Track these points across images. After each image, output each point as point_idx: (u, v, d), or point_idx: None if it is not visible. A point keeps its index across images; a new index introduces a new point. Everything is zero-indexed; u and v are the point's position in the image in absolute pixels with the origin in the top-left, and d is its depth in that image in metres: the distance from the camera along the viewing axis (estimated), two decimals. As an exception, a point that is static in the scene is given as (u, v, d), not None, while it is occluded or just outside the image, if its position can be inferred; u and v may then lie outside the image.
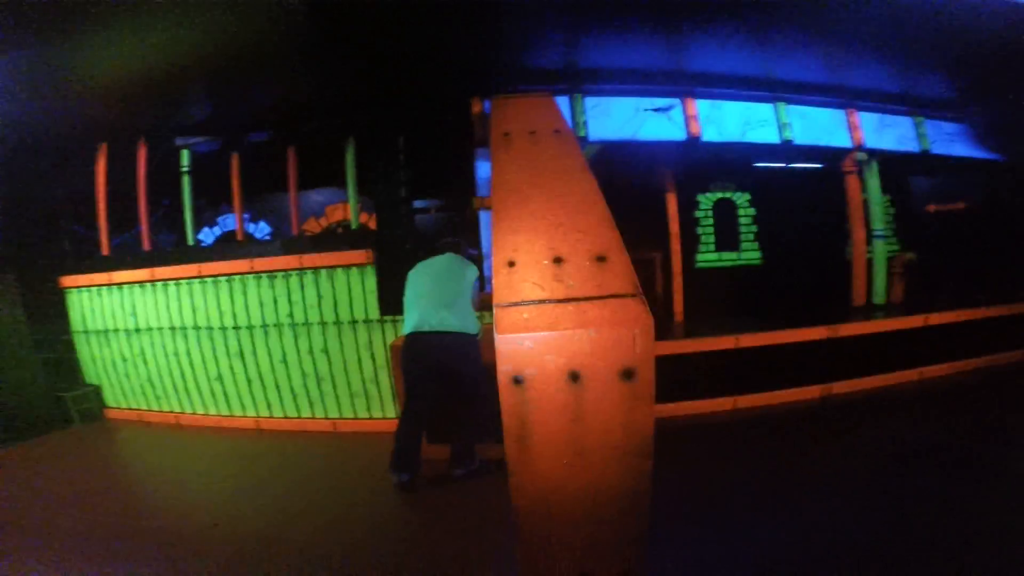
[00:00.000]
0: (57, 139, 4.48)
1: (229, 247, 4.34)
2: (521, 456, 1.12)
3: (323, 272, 4.10)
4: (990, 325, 4.54)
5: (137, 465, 3.90)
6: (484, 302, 3.23)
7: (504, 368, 1.06)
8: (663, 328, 4.57)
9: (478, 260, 4.24)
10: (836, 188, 5.13)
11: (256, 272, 4.19)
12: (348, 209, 4.47)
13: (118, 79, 3.53)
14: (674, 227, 5.03)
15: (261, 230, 6.73)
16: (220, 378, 4.39)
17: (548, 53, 3.94)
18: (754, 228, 5.29)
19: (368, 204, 5.86)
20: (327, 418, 4.19)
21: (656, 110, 4.43)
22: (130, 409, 4.77)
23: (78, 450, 4.04)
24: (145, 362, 4.62)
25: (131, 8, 2.68)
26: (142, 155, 4.59)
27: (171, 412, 4.61)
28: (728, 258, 5.23)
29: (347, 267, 4.06)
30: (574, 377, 1.05)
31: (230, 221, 6.37)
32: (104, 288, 4.64)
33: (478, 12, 3.21)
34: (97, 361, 4.82)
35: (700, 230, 5.20)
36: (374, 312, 4.05)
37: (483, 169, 4.56)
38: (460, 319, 2.97)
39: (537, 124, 2.37)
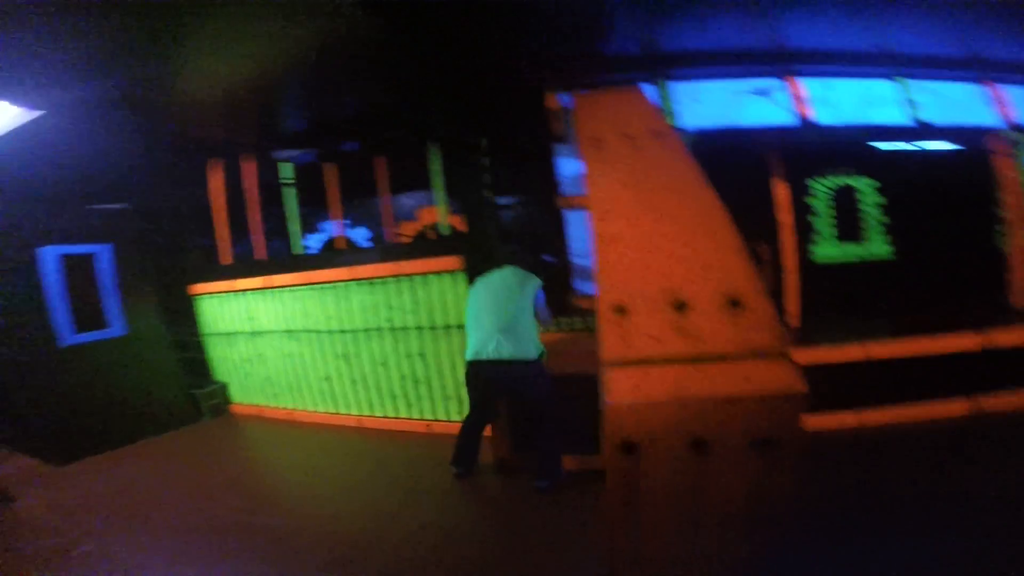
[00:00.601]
0: (178, 158, 4.97)
1: (332, 255, 4.57)
2: (626, 522, 1.00)
3: (417, 278, 4.19)
4: None
5: (255, 460, 4.26)
6: (549, 315, 3.26)
7: (614, 434, 0.93)
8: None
9: (552, 268, 4.12)
10: (981, 171, 4.34)
11: (357, 279, 4.39)
12: (437, 212, 4.52)
13: (219, 99, 3.80)
14: (785, 217, 4.52)
15: (360, 235, 7.09)
16: (328, 378, 4.68)
17: (627, 38, 3.66)
18: (881, 217, 4.62)
19: (456, 205, 5.94)
20: (422, 419, 4.31)
21: (756, 93, 4.00)
22: (251, 405, 5.24)
23: (206, 444, 4.50)
24: (263, 362, 5.04)
25: (224, 30, 2.83)
26: (250, 169, 4.95)
27: (285, 408, 5.00)
28: (851, 251, 4.62)
29: (439, 273, 4.11)
30: (699, 446, 0.90)
31: (332, 227, 6.76)
32: (227, 294, 5.12)
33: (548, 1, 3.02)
34: (223, 361, 5.35)
35: (816, 220, 4.62)
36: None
37: (565, 165, 4.41)
38: (516, 344, 2.93)
39: (632, 125, 2.13)
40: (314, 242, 7.30)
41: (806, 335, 4.09)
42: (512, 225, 6.12)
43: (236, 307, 5.09)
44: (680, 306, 1.01)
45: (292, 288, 4.69)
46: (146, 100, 3.66)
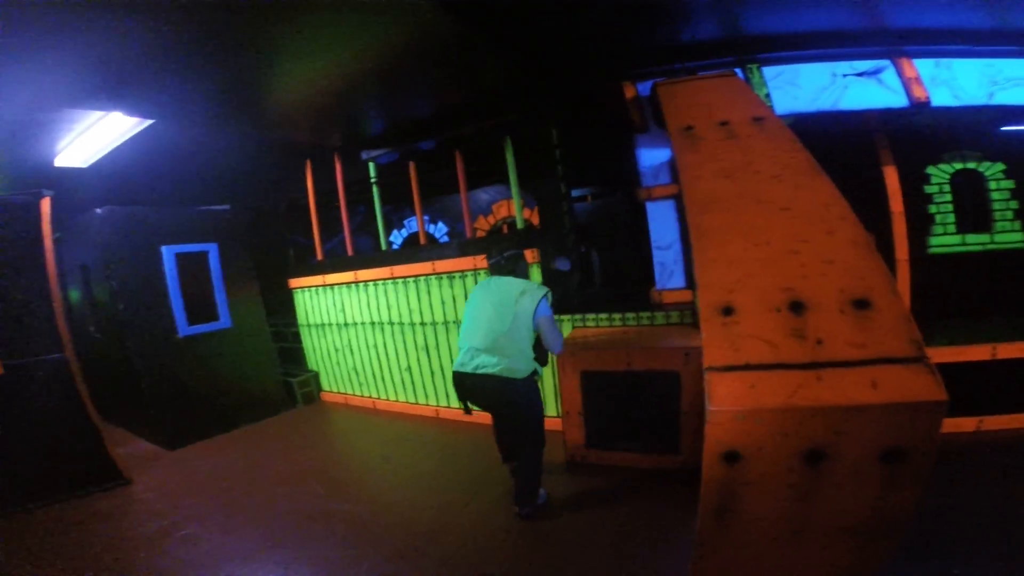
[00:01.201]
0: (276, 161, 5.36)
1: (413, 251, 4.74)
2: (716, 530, 0.93)
3: (493, 272, 4.24)
4: None
5: (340, 447, 4.52)
6: (558, 338, 2.81)
7: (716, 443, 0.86)
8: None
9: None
10: None
11: (437, 273, 4.52)
12: (512, 205, 4.54)
13: (310, 104, 4.04)
14: (896, 205, 4.07)
15: (440, 230, 7.34)
16: (409, 369, 4.88)
17: (709, 23, 3.44)
18: (1013, 204, 4.03)
19: (530, 199, 5.94)
20: (495, 413, 4.37)
21: (860, 74, 3.62)
22: (339, 393, 5.58)
23: (297, 430, 4.84)
24: (351, 352, 5.34)
25: (313, 37, 2.98)
26: (338, 169, 5.24)
27: (370, 397, 5.27)
28: (976, 241, 4.07)
29: (515, 267, 4.13)
30: (814, 458, 0.82)
31: (414, 223, 7.03)
32: (320, 288, 5.47)
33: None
34: (315, 351, 5.73)
35: (934, 208, 4.12)
36: (542, 312, 4.06)
37: (645, 157, 4.25)
38: (503, 360, 2.63)
39: (728, 112, 2.00)
40: (398, 238, 7.65)
41: (921, 331, 3.68)
42: (589, 218, 6.04)
43: (328, 300, 5.43)
44: (796, 307, 0.92)
45: (377, 282, 4.93)
46: (246, 107, 3.97)
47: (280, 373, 5.56)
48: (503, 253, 3.00)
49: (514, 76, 3.90)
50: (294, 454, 4.13)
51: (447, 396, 4.66)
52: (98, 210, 4.40)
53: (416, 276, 4.66)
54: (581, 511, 2.85)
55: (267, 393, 5.33)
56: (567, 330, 3.99)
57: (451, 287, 4.47)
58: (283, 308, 5.91)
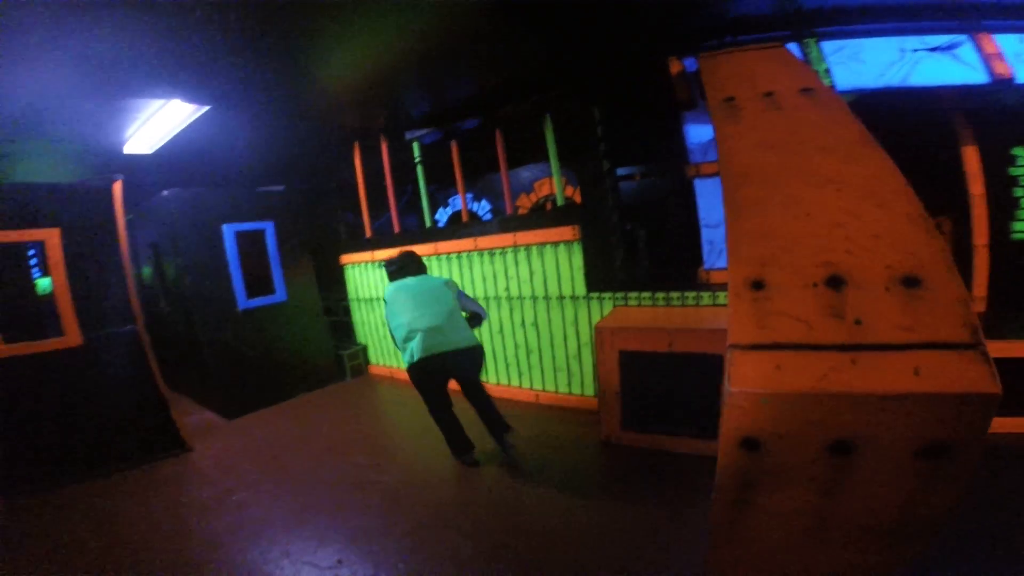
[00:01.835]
0: (326, 143, 5.50)
1: (456, 228, 4.78)
2: (732, 521, 0.88)
3: (534, 249, 4.21)
4: None
5: (382, 418, 4.69)
6: (483, 308, 3.54)
7: (735, 428, 0.80)
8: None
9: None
10: None
11: (479, 250, 4.54)
12: (554, 184, 4.47)
13: (356, 87, 4.09)
14: (976, 188, 3.66)
15: (483, 208, 7.34)
16: (450, 345, 4.96)
17: None
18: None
19: (573, 177, 5.82)
20: (531, 388, 4.39)
21: (933, 50, 3.27)
22: (385, 367, 5.77)
23: (345, 401, 5.05)
24: (396, 327, 5.49)
25: (357, 22, 3.01)
26: (384, 151, 5.31)
27: (415, 371, 5.42)
28: (1072, 224, 3.62)
29: (555, 244, 4.09)
30: (841, 449, 0.75)
31: (458, 201, 7.07)
32: (369, 264, 5.64)
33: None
34: (364, 324, 5.94)
35: (1020, 191, 3.68)
36: (580, 288, 4.01)
37: (693, 133, 4.06)
38: (461, 334, 3.19)
39: (773, 82, 1.84)
40: (443, 216, 7.73)
41: (993, 324, 3.35)
42: (637, 197, 5.86)
43: (376, 276, 5.59)
44: (836, 282, 0.83)
45: (422, 258, 5.00)
46: (297, 93, 4.08)
47: (331, 346, 5.80)
48: (395, 260, 3.62)
49: (555, 54, 3.80)
50: (341, 425, 4.32)
51: (485, 370, 4.71)
52: (165, 192, 4.70)
53: (459, 252, 4.70)
54: (611, 493, 2.84)
55: (319, 365, 5.59)
56: (608, 308, 3.92)
57: (491, 263, 4.49)
58: (335, 284, 6.14)
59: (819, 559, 0.83)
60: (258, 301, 5.14)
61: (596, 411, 3.50)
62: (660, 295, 3.81)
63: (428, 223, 5.35)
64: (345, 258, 5.90)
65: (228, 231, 4.94)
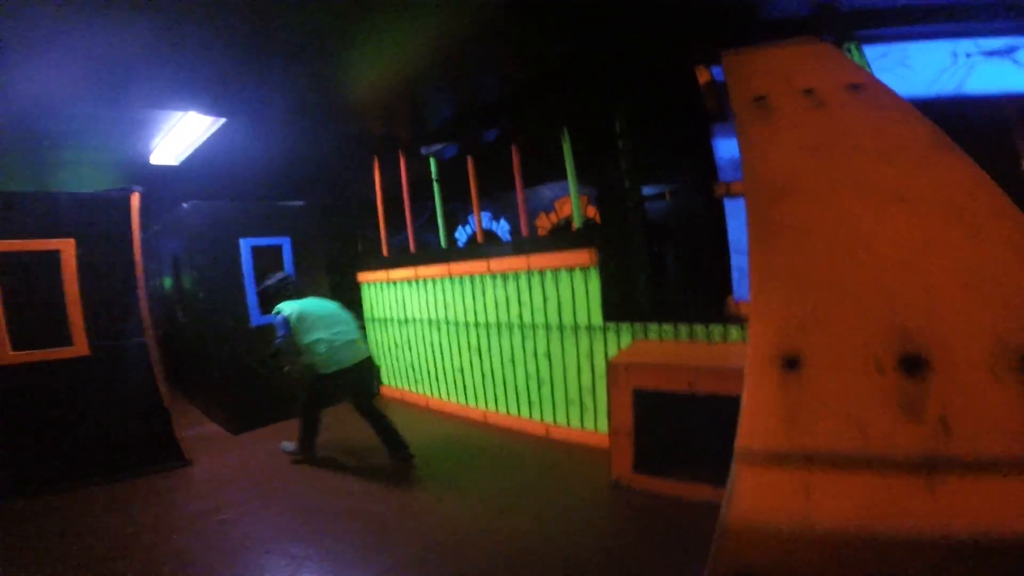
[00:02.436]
0: (344, 158, 5.47)
1: (470, 248, 4.61)
2: None
3: (548, 273, 3.97)
4: None
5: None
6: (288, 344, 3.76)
7: (725, 570, 0.53)
8: None
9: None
10: None
11: (492, 272, 4.33)
12: (571, 203, 4.24)
13: (373, 99, 4.02)
14: None
15: (502, 228, 7.13)
16: (461, 370, 4.74)
17: None
18: None
19: (593, 195, 5.56)
20: (542, 421, 4.10)
21: (991, 54, 2.88)
22: (397, 388, 5.60)
23: (354, 422, 4.82)
24: (409, 349, 5.33)
25: (372, 31, 2.94)
26: (403, 166, 5.22)
27: (423, 395, 5.22)
28: None
29: (570, 268, 3.83)
30: None
31: (475, 221, 6.93)
32: (384, 283, 5.52)
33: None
34: (378, 345, 5.80)
35: None
36: (597, 318, 3.72)
37: (723, 148, 3.74)
38: (364, 346, 3.81)
39: (814, 78, 1.53)
40: (463, 235, 7.58)
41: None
42: (666, 216, 5.55)
43: (391, 295, 5.46)
44: (912, 363, 0.53)
45: (435, 280, 4.85)
46: (316, 104, 4.04)
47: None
48: (285, 279, 4.10)
49: (576, 56, 3.62)
50: (343, 447, 4.15)
51: (495, 400, 4.46)
52: (185, 204, 4.74)
53: (472, 275, 4.50)
54: (618, 540, 2.57)
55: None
56: (626, 339, 3.61)
57: (504, 287, 4.26)
58: (352, 302, 6.05)
59: None
60: (271, 318, 5.07)
61: (606, 449, 3.19)
62: (683, 327, 3.48)
63: (444, 243, 5.20)
64: (362, 276, 5.81)
65: (245, 246, 4.93)
